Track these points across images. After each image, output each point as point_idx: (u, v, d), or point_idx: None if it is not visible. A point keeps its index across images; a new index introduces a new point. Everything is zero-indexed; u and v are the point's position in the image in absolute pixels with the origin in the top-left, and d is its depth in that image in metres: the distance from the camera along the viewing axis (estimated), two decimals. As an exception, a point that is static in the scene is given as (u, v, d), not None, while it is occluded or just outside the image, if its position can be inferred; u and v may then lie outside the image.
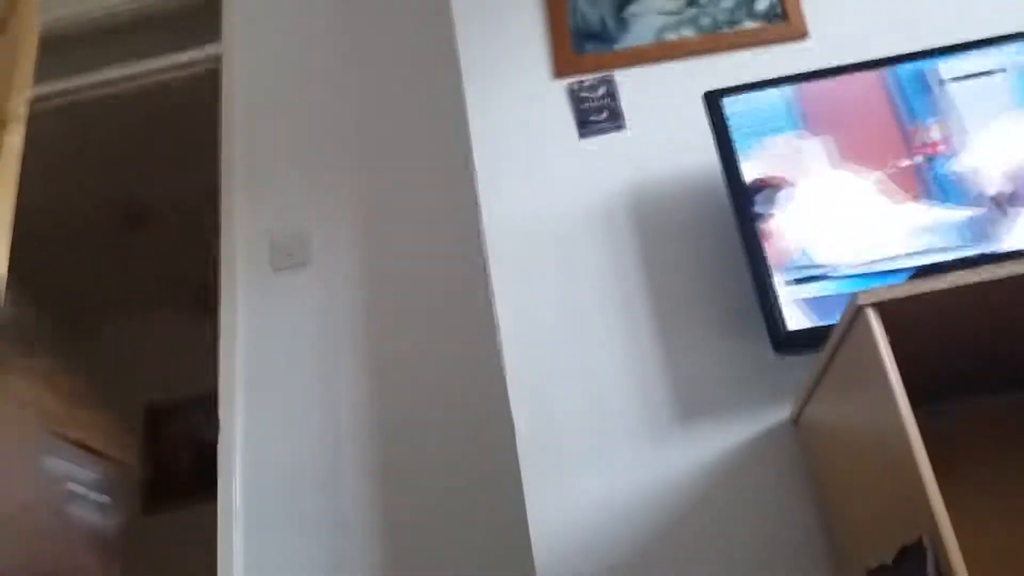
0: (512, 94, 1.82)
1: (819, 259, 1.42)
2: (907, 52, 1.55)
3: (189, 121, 2.57)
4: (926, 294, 1.06)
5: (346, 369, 2.01)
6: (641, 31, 1.85)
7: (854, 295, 1.07)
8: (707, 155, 1.65)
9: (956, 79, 1.51)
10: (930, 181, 1.44)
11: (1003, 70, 1.51)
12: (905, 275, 1.33)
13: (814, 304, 1.39)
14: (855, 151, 1.49)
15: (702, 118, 1.67)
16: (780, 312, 1.39)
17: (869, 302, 1.05)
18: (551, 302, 1.61)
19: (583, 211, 1.69)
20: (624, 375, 1.54)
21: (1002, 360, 1.23)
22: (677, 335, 1.56)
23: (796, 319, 1.38)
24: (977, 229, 1.39)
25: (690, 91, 1.74)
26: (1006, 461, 1.27)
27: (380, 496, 1.88)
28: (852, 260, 1.40)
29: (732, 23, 1.83)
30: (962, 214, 1.41)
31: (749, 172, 1.50)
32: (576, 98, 1.80)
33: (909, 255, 1.39)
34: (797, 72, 1.58)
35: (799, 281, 1.40)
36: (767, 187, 1.48)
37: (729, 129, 1.54)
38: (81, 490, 0.40)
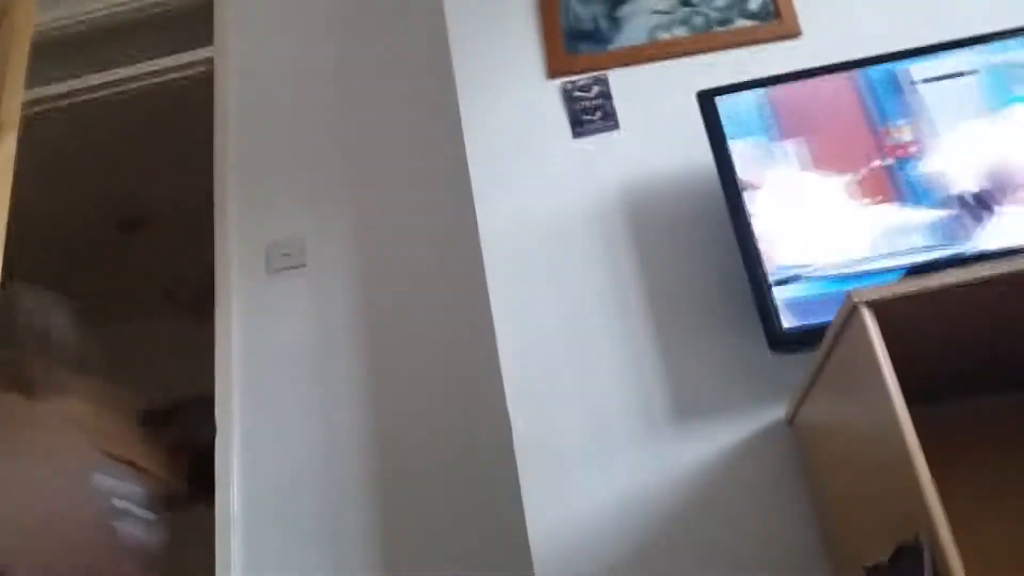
0: (506, 94, 1.82)
1: (793, 261, 1.41)
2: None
3: (185, 124, 2.56)
4: (921, 293, 1.06)
5: (343, 373, 2.01)
6: (634, 31, 1.85)
7: (849, 294, 1.07)
8: (701, 154, 1.65)
9: (927, 80, 1.51)
10: (902, 182, 1.44)
11: (975, 71, 1.51)
12: (878, 276, 1.34)
13: (791, 305, 1.39)
14: (827, 153, 1.49)
15: (696, 117, 1.67)
16: (776, 311, 1.39)
17: (864, 301, 1.05)
18: (547, 302, 1.62)
19: (578, 211, 1.69)
20: (620, 375, 1.54)
21: (998, 359, 1.24)
22: (672, 334, 1.56)
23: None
24: (949, 230, 1.39)
25: (683, 90, 1.74)
26: (1003, 460, 1.27)
27: (377, 500, 1.88)
28: (826, 262, 1.40)
29: (725, 22, 1.84)
30: (934, 215, 1.41)
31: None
32: (570, 98, 1.81)
33: (882, 256, 1.39)
34: (792, 71, 1.58)
35: (777, 283, 1.41)
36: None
37: (723, 128, 1.54)
38: (127, 506, 0.41)
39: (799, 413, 1.39)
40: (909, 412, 0.99)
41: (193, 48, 2.53)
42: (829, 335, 1.15)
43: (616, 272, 1.63)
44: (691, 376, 1.52)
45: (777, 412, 1.47)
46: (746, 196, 1.48)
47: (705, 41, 1.82)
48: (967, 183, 1.42)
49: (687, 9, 1.86)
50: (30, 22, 2.03)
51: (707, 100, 1.58)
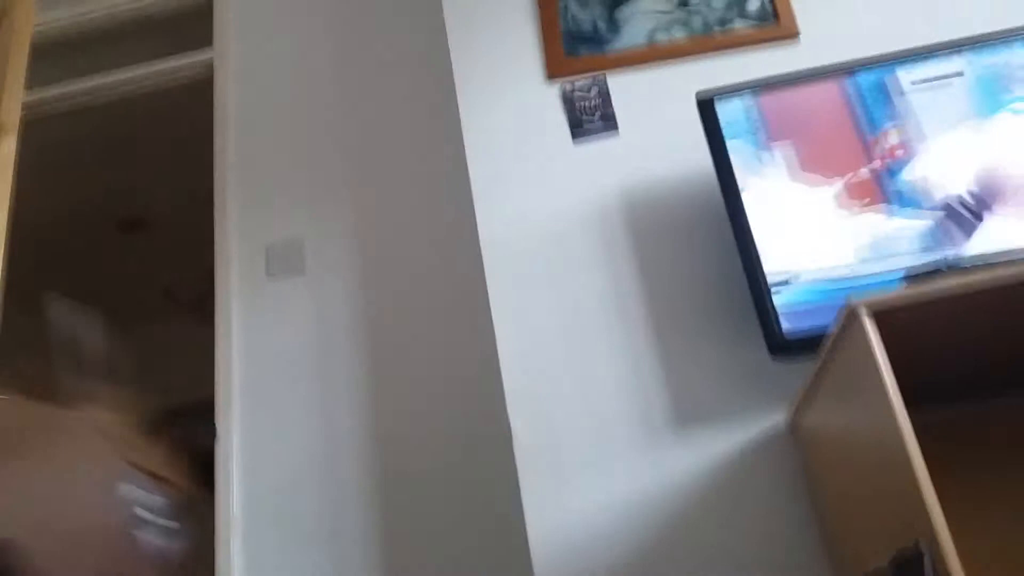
0: (505, 96, 1.82)
1: (781, 268, 1.41)
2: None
3: (185, 126, 2.56)
4: (921, 298, 1.06)
5: (343, 376, 2.01)
6: (633, 33, 1.85)
7: (849, 299, 1.07)
8: (700, 157, 1.65)
9: (915, 84, 1.51)
10: (891, 187, 1.44)
11: (960, 74, 1.50)
12: (865, 283, 1.34)
13: (782, 311, 1.38)
14: (815, 158, 1.49)
15: (694, 119, 1.67)
16: (776, 316, 1.39)
17: (864, 306, 1.05)
18: (546, 306, 1.62)
19: (578, 213, 1.69)
20: (620, 380, 1.54)
21: (998, 363, 1.24)
22: (671, 337, 1.56)
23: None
24: (937, 236, 1.39)
25: (682, 92, 1.74)
26: (1003, 465, 1.27)
27: (377, 501, 1.88)
28: (814, 268, 1.40)
29: (723, 24, 1.84)
30: (922, 221, 1.41)
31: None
32: (569, 100, 1.81)
33: (869, 262, 1.39)
34: (792, 72, 1.58)
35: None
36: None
37: (722, 131, 1.54)
38: (150, 516, 0.41)
39: (799, 418, 1.39)
40: (908, 417, 0.99)
41: (193, 50, 2.53)
42: (828, 341, 1.16)
43: (615, 275, 1.63)
44: (691, 380, 1.52)
45: (776, 417, 1.47)
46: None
47: (703, 43, 1.82)
48: (958, 188, 1.42)
49: (685, 11, 1.86)
50: (30, 24, 2.03)
51: (706, 102, 1.57)
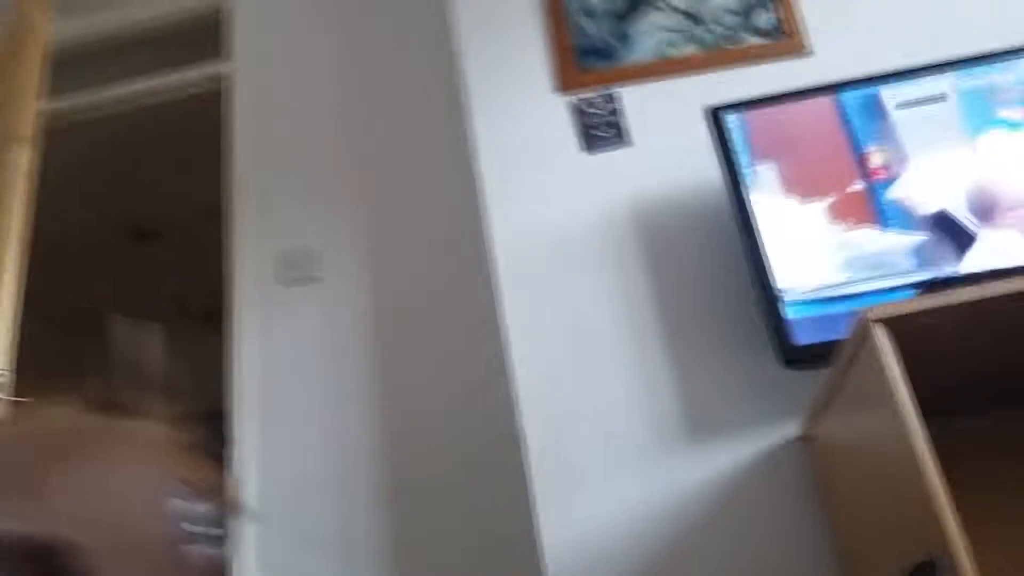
0: (516, 110, 1.83)
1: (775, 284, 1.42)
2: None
3: (198, 136, 2.58)
4: (934, 310, 1.06)
5: (355, 384, 2.01)
6: (643, 47, 1.86)
7: (862, 311, 1.08)
8: (710, 170, 1.66)
9: (903, 104, 1.52)
10: (878, 207, 1.45)
11: (945, 96, 1.52)
12: (858, 300, 1.35)
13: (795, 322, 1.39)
14: (805, 176, 1.49)
15: (705, 133, 1.68)
16: (789, 327, 1.39)
17: (878, 318, 1.06)
18: (559, 317, 1.62)
19: (590, 226, 1.70)
20: (632, 389, 1.54)
21: (1012, 373, 1.24)
22: (684, 350, 1.56)
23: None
24: (926, 255, 1.40)
25: (693, 107, 1.75)
26: (1018, 475, 1.27)
27: (389, 509, 1.88)
28: (804, 286, 1.41)
29: (734, 39, 1.85)
30: (911, 239, 1.41)
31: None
32: (580, 113, 1.82)
33: (861, 281, 1.40)
34: (801, 88, 1.59)
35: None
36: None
37: (732, 145, 1.55)
38: (200, 530, 0.42)
39: (812, 429, 1.39)
40: (923, 427, 0.99)
41: (205, 61, 2.55)
42: (843, 352, 1.16)
43: (627, 286, 1.63)
44: (701, 390, 1.52)
45: (789, 428, 1.47)
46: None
47: (714, 58, 1.83)
48: (945, 206, 1.43)
49: (696, 26, 1.87)
50: (46, 38, 2.05)
51: (717, 116, 1.59)
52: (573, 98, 1.83)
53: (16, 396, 1.57)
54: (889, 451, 1.06)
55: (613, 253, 1.67)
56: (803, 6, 1.86)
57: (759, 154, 1.52)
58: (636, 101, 1.81)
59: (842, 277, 1.40)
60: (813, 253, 1.43)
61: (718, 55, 1.84)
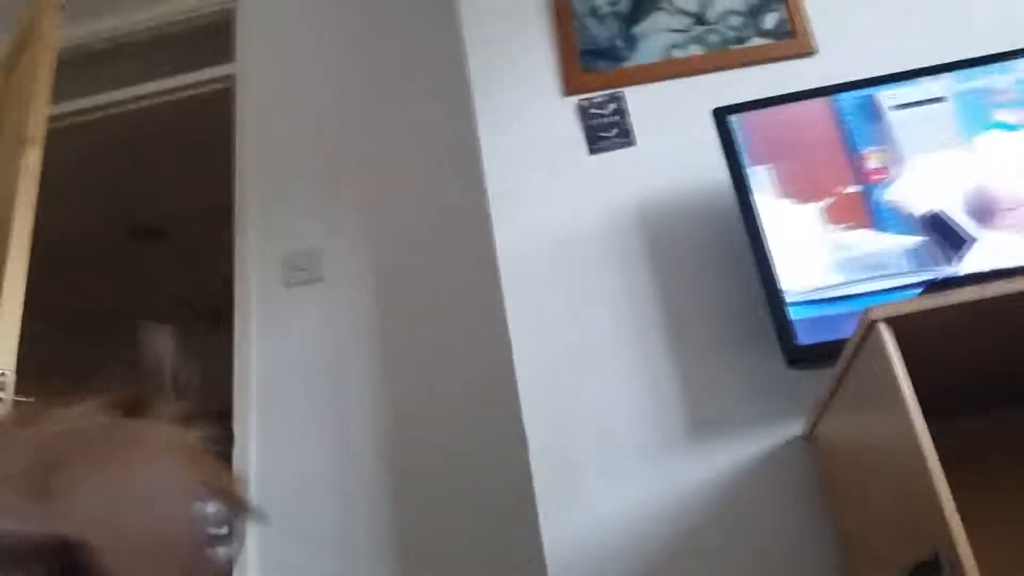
0: (522, 112, 1.84)
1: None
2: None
3: (205, 138, 2.60)
4: (938, 309, 1.06)
5: (358, 385, 2.02)
6: (650, 49, 1.87)
7: (866, 310, 1.08)
8: (716, 172, 1.66)
9: (900, 106, 1.52)
10: (874, 209, 1.45)
11: (942, 98, 1.51)
12: (855, 302, 1.34)
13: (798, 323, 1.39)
14: (799, 178, 1.49)
15: (711, 135, 1.68)
16: (793, 326, 1.39)
17: (881, 318, 1.06)
18: (563, 317, 1.62)
19: (595, 227, 1.70)
20: (635, 389, 1.54)
21: (1016, 373, 1.23)
22: (687, 349, 1.56)
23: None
24: (923, 256, 1.40)
25: (699, 108, 1.75)
26: (1020, 476, 1.27)
27: (391, 510, 1.88)
28: (802, 287, 1.41)
29: (740, 40, 1.85)
30: (907, 241, 1.41)
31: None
32: (586, 115, 1.82)
33: (858, 282, 1.40)
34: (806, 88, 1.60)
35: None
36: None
37: (739, 146, 1.55)
38: (221, 532, 0.43)
39: (816, 429, 1.39)
40: (927, 426, 0.99)
41: (213, 64, 2.57)
42: (846, 351, 1.16)
43: (631, 286, 1.63)
44: (707, 391, 1.52)
45: (793, 428, 1.47)
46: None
47: (720, 59, 1.83)
48: (940, 208, 1.42)
49: (702, 27, 1.88)
50: (56, 41, 2.07)
51: (723, 118, 1.59)
52: (579, 100, 1.83)
53: (16, 396, 1.58)
54: (893, 449, 1.06)
55: (616, 253, 1.67)
56: (809, 7, 1.86)
57: (757, 156, 1.52)
58: (641, 102, 1.81)
59: (838, 278, 1.40)
60: (809, 254, 1.43)
61: (723, 56, 1.84)
